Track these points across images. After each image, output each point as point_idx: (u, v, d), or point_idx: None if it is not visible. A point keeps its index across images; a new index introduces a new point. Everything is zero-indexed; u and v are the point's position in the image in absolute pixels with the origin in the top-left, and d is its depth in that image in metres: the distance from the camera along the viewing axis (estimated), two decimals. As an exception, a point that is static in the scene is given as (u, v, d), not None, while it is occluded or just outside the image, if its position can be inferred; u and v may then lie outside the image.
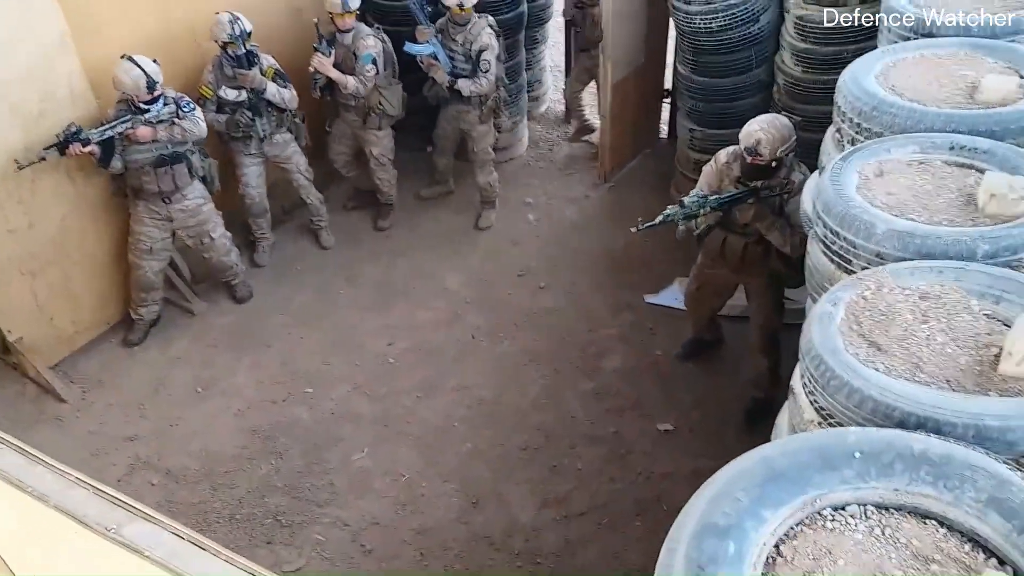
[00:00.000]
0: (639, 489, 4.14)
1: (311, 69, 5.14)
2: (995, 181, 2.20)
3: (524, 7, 6.10)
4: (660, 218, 3.78)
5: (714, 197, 3.84)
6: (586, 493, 4.13)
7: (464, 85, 5.27)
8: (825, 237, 2.35)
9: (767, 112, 5.24)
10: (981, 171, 2.31)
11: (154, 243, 4.80)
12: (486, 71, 5.23)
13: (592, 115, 6.60)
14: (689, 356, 4.79)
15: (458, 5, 5.13)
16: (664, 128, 6.69)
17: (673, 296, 5.16)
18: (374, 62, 5.15)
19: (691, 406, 4.53)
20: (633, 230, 3.83)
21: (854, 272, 2.18)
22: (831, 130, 2.95)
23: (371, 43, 5.16)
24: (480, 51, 5.20)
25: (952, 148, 2.40)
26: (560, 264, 5.57)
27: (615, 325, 5.06)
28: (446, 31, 5.30)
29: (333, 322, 5.16)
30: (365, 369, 4.83)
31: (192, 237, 4.94)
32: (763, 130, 3.67)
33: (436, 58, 5.26)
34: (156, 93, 4.44)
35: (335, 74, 5.13)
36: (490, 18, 5.35)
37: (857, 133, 2.66)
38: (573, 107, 6.72)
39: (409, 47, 5.25)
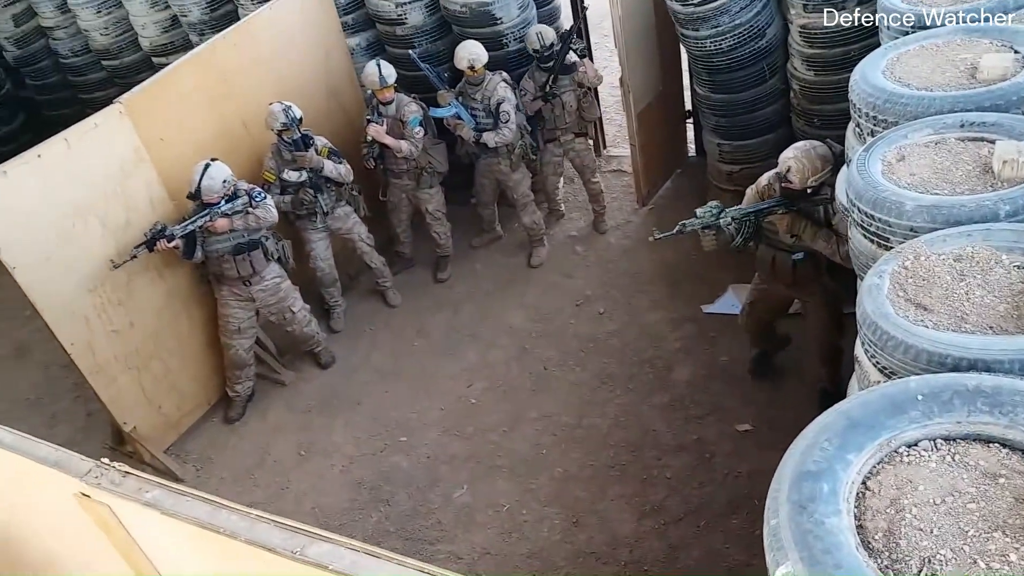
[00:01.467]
0: (729, 489, 4.35)
1: (368, 139, 5.58)
2: (1006, 148, 2.46)
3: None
4: (677, 228, 4.05)
5: (735, 208, 4.03)
6: (680, 499, 4.36)
7: (489, 137, 5.64)
8: (862, 221, 2.62)
9: (788, 116, 5.56)
10: (992, 142, 2.57)
11: (241, 323, 5.21)
12: (506, 121, 5.59)
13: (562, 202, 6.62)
14: (760, 371, 4.89)
15: (469, 67, 5.54)
16: (691, 147, 6.98)
17: (729, 303, 5.41)
18: (421, 124, 5.58)
19: (765, 404, 4.73)
20: (651, 239, 4.14)
21: (892, 248, 2.44)
22: (851, 126, 3.22)
23: (415, 108, 5.59)
24: (498, 104, 5.57)
25: (963, 125, 2.66)
26: (614, 289, 5.86)
27: (678, 338, 5.31)
28: (465, 92, 5.70)
29: (413, 373, 5.51)
30: (451, 412, 5.15)
31: (275, 314, 5.34)
32: (795, 159, 3.85)
33: (460, 117, 5.67)
34: (213, 198, 4.81)
35: (390, 140, 5.55)
36: (504, 74, 5.71)
37: (875, 125, 2.93)
38: (552, 197, 6.53)
39: (433, 111, 5.71)
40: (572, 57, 5.70)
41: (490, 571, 4.17)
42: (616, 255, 6.19)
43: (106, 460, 2.41)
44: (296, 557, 1.99)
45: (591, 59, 6.38)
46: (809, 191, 3.90)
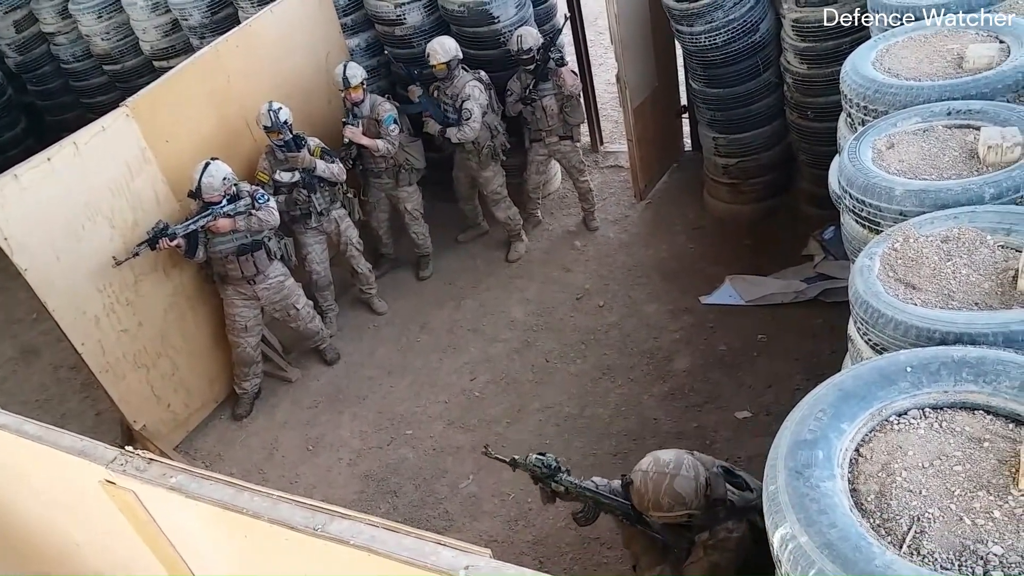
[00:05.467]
0: (728, 474, 4.45)
1: (345, 141, 5.68)
2: (991, 135, 2.57)
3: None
4: (509, 459, 3.27)
5: (573, 479, 3.12)
6: (680, 485, 4.45)
7: (451, 133, 5.74)
8: (854, 207, 2.72)
9: (782, 109, 5.64)
10: (978, 128, 2.68)
11: (247, 321, 5.29)
12: (467, 119, 5.68)
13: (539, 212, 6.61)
14: None
15: (431, 65, 5.66)
16: (687, 141, 7.07)
17: (727, 294, 5.50)
18: (395, 121, 5.69)
19: (762, 391, 4.83)
20: (482, 451, 3.50)
21: (882, 231, 2.54)
22: (842, 116, 3.32)
23: (388, 107, 5.70)
24: (463, 101, 5.68)
25: (949, 113, 2.76)
26: (613, 282, 5.95)
27: (677, 329, 5.41)
28: (440, 88, 5.83)
29: (416, 367, 5.60)
30: (454, 405, 5.24)
31: (279, 311, 5.42)
32: (643, 475, 2.86)
33: (429, 112, 5.81)
34: (213, 197, 4.88)
35: (366, 140, 5.65)
36: (480, 73, 5.81)
37: (865, 115, 3.03)
38: (531, 199, 6.50)
39: (404, 107, 5.87)
40: (551, 64, 5.79)
41: (496, 558, 4.25)
42: (614, 249, 6.28)
43: (130, 448, 2.50)
44: (317, 533, 2.07)
45: (591, 63, 6.44)
46: (660, 522, 2.91)
